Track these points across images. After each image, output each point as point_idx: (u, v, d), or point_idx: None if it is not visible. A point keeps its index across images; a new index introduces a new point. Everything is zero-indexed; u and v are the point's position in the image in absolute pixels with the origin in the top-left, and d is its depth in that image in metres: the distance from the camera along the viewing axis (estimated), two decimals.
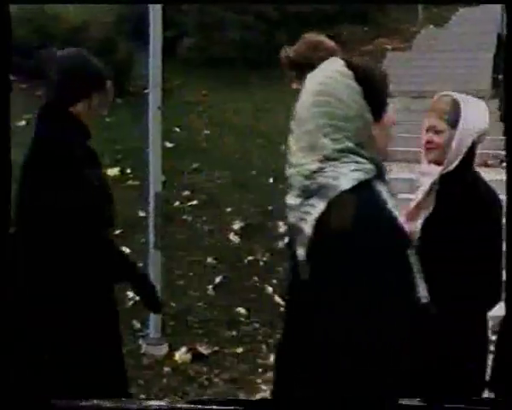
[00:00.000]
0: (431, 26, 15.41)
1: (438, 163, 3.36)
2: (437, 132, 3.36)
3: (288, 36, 12.04)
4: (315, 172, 2.27)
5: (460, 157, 3.30)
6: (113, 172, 8.22)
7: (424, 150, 3.42)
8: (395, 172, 8.81)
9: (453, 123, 3.32)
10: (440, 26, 15.40)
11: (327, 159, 2.27)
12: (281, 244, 6.54)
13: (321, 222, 2.22)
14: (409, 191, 7.74)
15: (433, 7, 16.22)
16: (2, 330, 1.86)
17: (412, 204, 3.45)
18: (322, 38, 4.22)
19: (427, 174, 3.42)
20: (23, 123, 9.18)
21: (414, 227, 3.37)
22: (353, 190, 2.21)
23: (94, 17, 10.98)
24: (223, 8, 11.69)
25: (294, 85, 4.24)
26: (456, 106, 3.34)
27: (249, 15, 11.82)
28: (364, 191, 2.23)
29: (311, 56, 4.09)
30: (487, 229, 3.20)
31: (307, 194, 2.27)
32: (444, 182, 3.34)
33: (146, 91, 6.01)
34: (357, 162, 2.26)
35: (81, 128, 3.38)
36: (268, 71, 10.36)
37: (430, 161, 3.41)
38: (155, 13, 5.52)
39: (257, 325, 5.97)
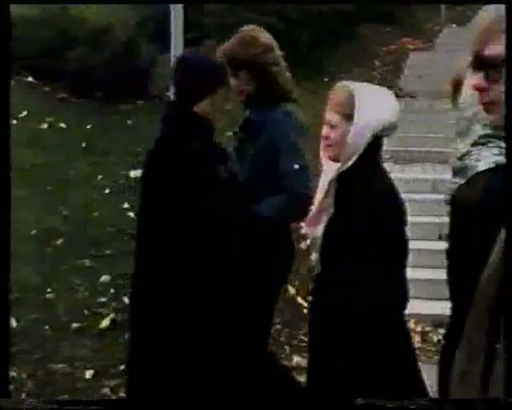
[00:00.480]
0: (454, 26, 15.32)
1: (337, 160, 3.08)
2: (332, 127, 3.06)
3: (310, 36, 12.03)
4: (464, 154, 2.55)
5: (358, 153, 3.00)
6: (135, 173, 8.23)
7: (322, 146, 3.14)
8: (417, 171, 8.76)
9: (348, 116, 3.01)
10: (463, 25, 15.31)
11: (476, 143, 2.51)
12: (303, 245, 6.51)
13: (456, 198, 2.55)
14: (431, 191, 7.71)
15: (457, 6, 16.13)
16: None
17: (313, 207, 3.17)
18: (258, 32, 3.98)
19: (327, 172, 3.13)
20: (45, 126, 9.23)
21: (316, 232, 3.12)
22: (490, 171, 2.43)
23: (117, 19, 11.01)
24: (244, 8, 11.68)
25: (232, 82, 4.05)
26: (350, 97, 3.03)
27: (271, 16, 11.80)
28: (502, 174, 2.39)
29: (245, 53, 3.85)
30: (386, 229, 2.95)
31: (455, 174, 2.59)
32: (341, 180, 3.04)
33: (168, 93, 6.00)
34: (501, 147, 2.42)
35: (206, 126, 3.40)
36: (290, 70, 10.33)
37: (329, 158, 3.12)
38: (176, 14, 5.52)
39: (279, 326, 5.95)
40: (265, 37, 3.97)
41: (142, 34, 10.97)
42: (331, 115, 3.06)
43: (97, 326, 5.50)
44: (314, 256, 3.28)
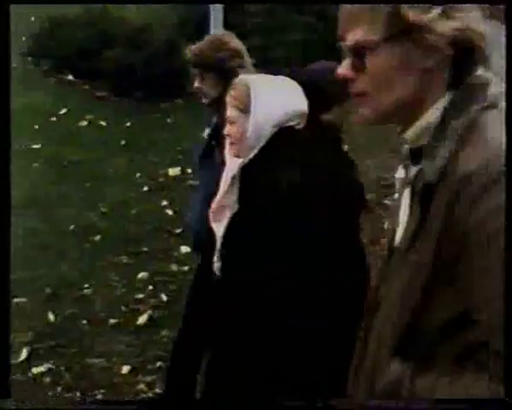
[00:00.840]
0: None
1: (240, 156, 2.98)
2: (232, 123, 2.96)
3: None
4: None
5: (259, 146, 2.91)
6: (174, 171, 8.29)
7: (227, 145, 3.04)
8: None
9: (245, 110, 2.92)
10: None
11: None
12: None
13: None
14: None
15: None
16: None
17: (214, 203, 3.03)
18: (228, 37, 3.95)
19: (229, 168, 3.00)
20: (85, 123, 9.31)
21: (218, 228, 3.00)
22: None
23: (156, 19, 11.08)
24: (284, 8, 11.68)
25: (195, 84, 3.99)
26: (246, 91, 2.93)
27: (311, 16, 11.79)
28: None
29: (212, 56, 3.82)
30: (292, 224, 2.81)
31: None
32: (244, 175, 2.95)
33: None
34: None
35: (333, 136, 3.36)
36: None
37: (234, 155, 3.00)
38: (216, 14, 5.54)
39: None
40: (235, 42, 3.91)
41: (181, 34, 11.02)
42: (230, 111, 2.98)
43: (134, 323, 5.54)
44: (214, 259, 3.05)
